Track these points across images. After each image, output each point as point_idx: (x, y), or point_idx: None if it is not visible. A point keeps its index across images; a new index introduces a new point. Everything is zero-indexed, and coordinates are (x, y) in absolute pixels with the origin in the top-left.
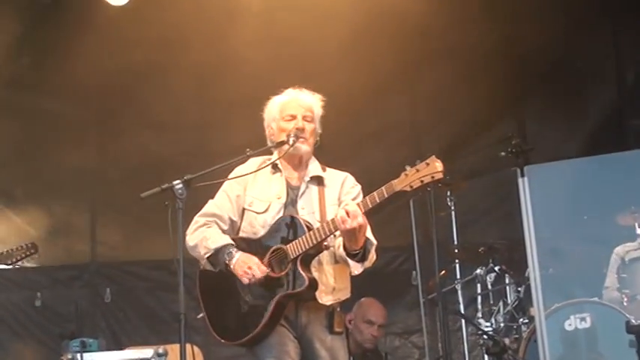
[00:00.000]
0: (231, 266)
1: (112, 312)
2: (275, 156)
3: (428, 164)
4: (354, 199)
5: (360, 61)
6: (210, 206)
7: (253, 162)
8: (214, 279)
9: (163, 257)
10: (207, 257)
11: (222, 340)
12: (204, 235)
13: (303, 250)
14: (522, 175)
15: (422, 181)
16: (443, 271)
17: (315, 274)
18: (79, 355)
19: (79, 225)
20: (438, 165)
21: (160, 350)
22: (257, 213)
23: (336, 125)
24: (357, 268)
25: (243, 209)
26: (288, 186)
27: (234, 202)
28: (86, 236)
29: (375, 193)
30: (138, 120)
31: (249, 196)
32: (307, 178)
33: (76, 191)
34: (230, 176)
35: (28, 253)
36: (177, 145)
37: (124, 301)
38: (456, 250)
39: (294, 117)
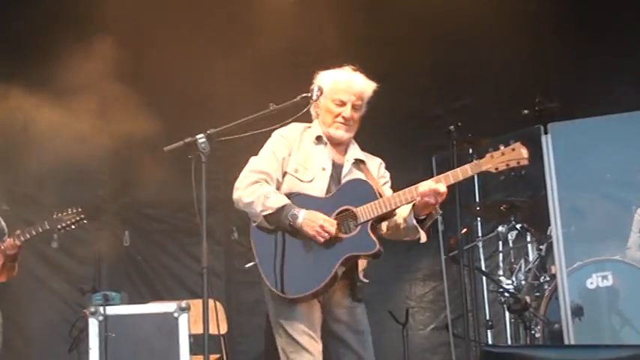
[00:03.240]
0: (298, 226)
1: (131, 256)
2: (315, 125)
3: (514, 149)
4: (386, 183)
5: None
6: (259, 163)
7: (296, 127)
8: (272, 234)
9: (183, 199)
10: (266, 215)
11: (278, 293)
12: (260, 193)
13: (376, 214)
14: (545, 133)
15: (507, 165)
16: (465, 229)
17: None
18: (101, 309)
19: (98, 165)
20: (524, 151)
21: (183, 304)
22: (302, 181)
23: None
24: (423, 236)
25: (285, 172)
26: (333, 160)
27: (280, 163)
28: (105, 177)
29: (459, 170)
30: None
31: (293, 161)
32: (352, 160)
33: (95, 134)
34: (275, 134)
35: (77, 218)
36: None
37: (143, 245)
38: (478, 208)
39: (344, 103)
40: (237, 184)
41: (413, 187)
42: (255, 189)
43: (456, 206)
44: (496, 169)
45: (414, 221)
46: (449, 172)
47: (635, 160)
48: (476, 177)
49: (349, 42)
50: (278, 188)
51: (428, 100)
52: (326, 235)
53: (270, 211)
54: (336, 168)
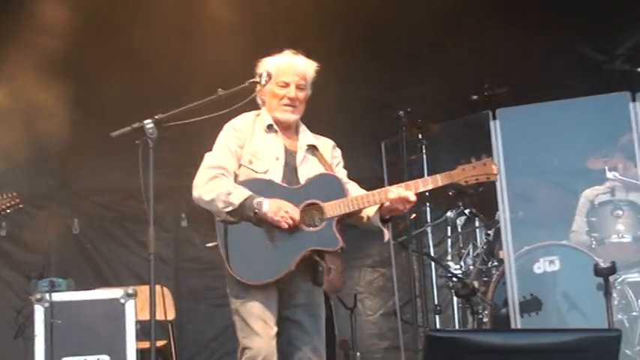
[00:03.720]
0: (262, 214)
1: (80, 244)
2: (264, 113)
3: (485, 164)
4: (339, 163)
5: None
6: (214, 158)
7: (246, 117)
8: (238, 224)
9: (132, 187)
10: (229, 212)
11: (238, 278)
12: (221, 190)
13: (343, 212)
14: (494, 118)
15: (477, 180)
16: (413, 215)
17: None
18: (47, 295)
19: (45, 152)
20: (494, 167)
21: (130, 291)
22: (256, 172)
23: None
24: (387, 235)
25: (240, 165)
26: (285, 148)
27: (235, 155)
28: (53, 165)
29: (430, 179)
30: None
31: (247, 153)
32: (305, 146)
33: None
34: (227, 127)
35: (12, 203)
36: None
37: (92, 232)
38: (427, 194)
39: (287, 84)
40: (195, 182)
41: (383, 190)
42: (215, 185)
43: None
44: (466, 182)
45: (379, 222)
46: (419, 180)
47: (583, 146)
48: (424, 162)
49: (300, 30)
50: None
51: (378, 88)
52: (290, 221)
53: (232, 207)
54: (290, 155)
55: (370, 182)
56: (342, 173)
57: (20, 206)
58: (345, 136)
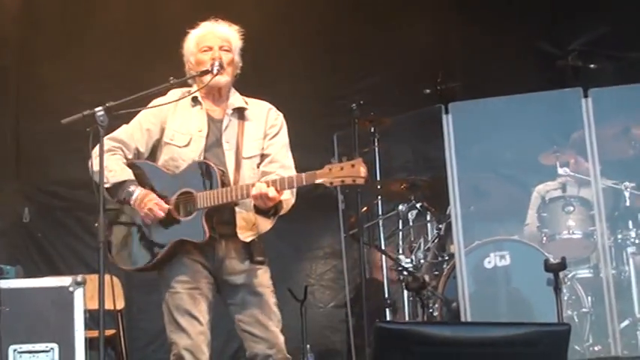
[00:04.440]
0: (132, 204)
1: (30, 233)
2: (195, 88)
3: (353, 165)
4: (278, 133)
5: None
6: (121, 132)
7: (173, 93)
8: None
9: (83, 177)
10: (106, 188)
11: (113, 262)
12: (106, 165)
13: (212, 204)
14: (446, 113)
15: (342, 182)
16: (365, 207)
17: (240, 210)
18: None
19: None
20: (362, 170)
21: (79, 279)
22: (179, 147)
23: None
24: (266, 226)
25: (157, 142)
26: (210, 119)
27: (145, 133)
28: (6, 152)
29: (294, 177)
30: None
31: (170, 129)
32: (230, 111)
33: None
34: (149, 107)
35: None
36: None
37: (43, 222)
38: (379, 187)
39: (210, 48)
40: (93, 150)
41: (249, 184)
42: (105, 159)
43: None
44: (330, 183)
45: (255, 212)
46: (285, 178)
47: (535, 141)
48: (377, 155)
49: (249, 23)
50: (143, 159)
51: (331, 80)
52: (152, 216)
53: (109, 185)
54: (215, 124)
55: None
56: (276, 144)
57: None
58: (297, 127)
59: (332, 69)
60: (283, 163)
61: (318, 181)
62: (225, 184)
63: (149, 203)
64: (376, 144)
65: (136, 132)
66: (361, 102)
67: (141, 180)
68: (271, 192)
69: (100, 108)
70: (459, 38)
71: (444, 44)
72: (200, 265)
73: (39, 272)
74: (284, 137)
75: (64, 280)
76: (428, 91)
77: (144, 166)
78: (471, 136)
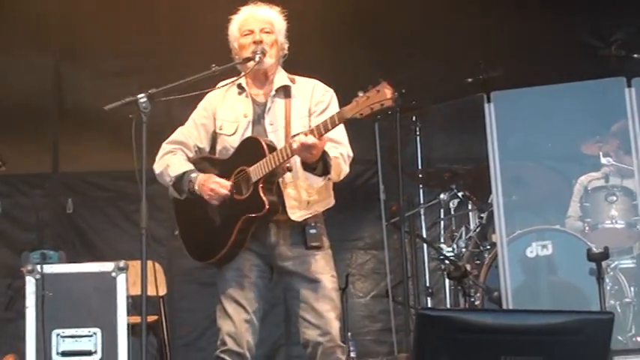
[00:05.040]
0: (196, 189)
1: (74, 223)
2: (242, 75)
3: (378, 91)
4: (326, 109)
5: None
6: (177, 133)
7: (220, 86)
8: (186, 201)
9: (126, 167)
10: (172, 185)
11: (195, 260)
12: (167, 163)
13: (264, 172)
14: (489, 102)
15: (372, 109)
16: (405, 196)
17: (289, 190)
18: (39, 267)
19: (42, 132)
20: (387, 92)
21: (121, 264)
22: (228, 135)
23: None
24: (316, 182)
25: (214, 134)
26: (255, 103)
27: (201, 128)
28: (49, 144)
29: (327, 120)
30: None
31: (219, 119)
32: (273, 92)
33: (40, 98)
34: (200, 103)
35: None
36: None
37: (86, 212)
38: (420, 175)
39: (251, 31)
40: (156, 157)
41: (290, 142)
42: (165, 159)
43: (399, 173)
44: (360, 114)
45: (305, 169)
46: (319, 123)
47: (578, 131)
48: (418, 144)
49: (291, 15)
50: (212, 152)
51: (373, 69)
52: (215, 195)
53: (173, 180)
54: (259, 107)
55: (364, 164)
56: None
57: (3, 169)
58: None
59: (373, 58)
60: (332, 137)
61: (347, 115)
62: (272, 151)
63: (210, 184)
64: (418, 133)
65: (191, 130)
66: (403, 91)
67: (203, 172)
68: (310, 139)
69: (142, 95)
70: (502, 27)
71: (486, 33)
72: (253, 253)
73: (82, 261)
74: (334, 112)
75: (107, 266)
76: (470, 80)
77: (201, 161)
78: (513, 125)
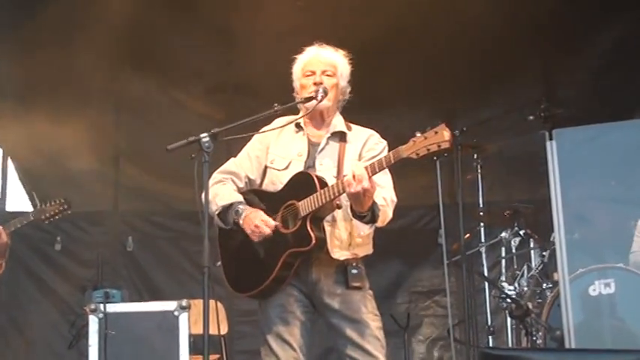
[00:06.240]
0: (241, 223)
1: (134, 261)
2: (300, 115)
3: (436, 132)
4: (376, 156)
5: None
6: (229, 163)
7: (278, 122)
8: (229, 233)
9: (188, 208)
10: (218, 214)
11: (234, 291)
12: (215, 192)
13: (314, 208)
14: (550, 139)
15: (428, 150)
16: (468, 234)
17: (329, 229)
18: (102, 306)
19: (103, 171)
20: (445, 134)
21: (184, 303)
22: (278, 170)
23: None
24: (363, 229)
25: (265, 167)
26: (310, 143)
27: (254, 160)
28: (109, 183)
29: (382, 158)
30: (162, 71)
31: (272, 154)
32: (328, 135)
33: (100, 138)
34: (256, 135)
35: (61, 208)
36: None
37: (146, 251)
38: (481, 213)
39: (313, 72)
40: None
41: (343, 178)
42: (216, 189)
43: (459, 211)
44: (417, 154)
45: (351, 214)
46: (374, 161)
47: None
48: (480, 181)
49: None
50: (255, 186)
51: (433, 106)
52: (258, 233)
53: (220, 210)
54: (314, 147)
55: (425, 199)
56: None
57: (68, 212)
58: None
59: (435, 95)
60: (377, 181)
61: (404, 155)
62: (324, 187)
63: (256, 220)
64: (479, 170)
65: (244, 161)
66: (464, 128)
67: (250, 204)
68: (357, 170)
69: (205, 134)
70: (562, 64)
71: (547, 70)
72: (295, 289)
73: (142, 300)
74: None
75: (169, 305)
76: (531, 117)
77: (250, 193)
78: (575, 162)
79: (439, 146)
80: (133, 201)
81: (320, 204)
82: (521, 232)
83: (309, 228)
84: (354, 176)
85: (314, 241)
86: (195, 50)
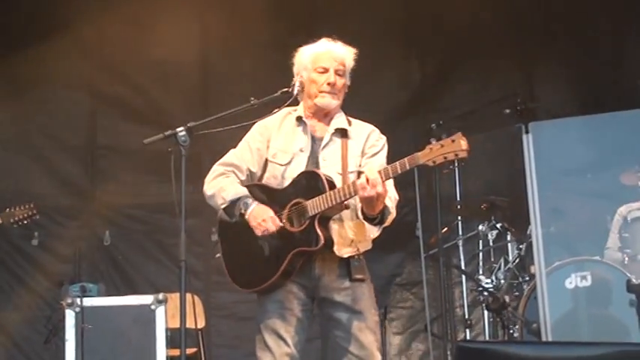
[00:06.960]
0: (246, 216)
1: (111, 255)
2: (300, 107)
3: (453, 141)
4: (378, 153)
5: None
6: (230, 156)
7: (277, 114)
8: (233, 226)
9: (165, 201)
10: (224, 208)
11: (236, 286)
12: (220, 186)
13: (323, 208)
14: (527, 132)
15: (445, 158)
16: (445, 228)
17: (335, 227)
18: (78, 300)
19: (79, 164)
20: (463, 143)
21: (160, 297)
22: (280, 165)
23: None
24: (373, 232)
25: (266, 160)
26: (312, 138)
27: (255, 153)
28: (86, 176)
29: (397, 163)
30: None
31: (273, 147)
32: (332, 130)
33: (76, 131)
34: (254, 125)
35: (30, 214)
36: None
37: (123, 245)
38: (459, 207)
39: (326, 70)
40: (206, 178)
41: (354, 180)
42: (218, 182)
43: (437, 205)
44: (433, 162)
45: (362, 216)
46: (388, 166)
47: (616, 161)
48: (457, 175)
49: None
50: (256, 179)
51: (410, 100)
52: (264, 229)
53: (226, 204)
54: (317, 142)
55: (402, 192)
56: (374, 163)
57: (37, 217)
58: None
59: (411, 89)
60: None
61: (420, 161)
62: (332, 188)
63: (264, 214)
64: (456, 164)
65: (245, 153)
66: (441, 122)
67: (255, 199)
68: (371, 174)
69: (181, 128)
70: (540, 58)
71: (524, 64)
72: (296, 285)
73: (120, 294)
74: (381, 158)
75: (146, 299)
76: (508, 111)
77: (254, 188)
78: (551, 155)
79: (456, 155)
80: (109, 194)
81: (329, 204)
82: (498, 226)
83: (317, 228)
84: (367, 180)
85: (323, 242)
86: None
